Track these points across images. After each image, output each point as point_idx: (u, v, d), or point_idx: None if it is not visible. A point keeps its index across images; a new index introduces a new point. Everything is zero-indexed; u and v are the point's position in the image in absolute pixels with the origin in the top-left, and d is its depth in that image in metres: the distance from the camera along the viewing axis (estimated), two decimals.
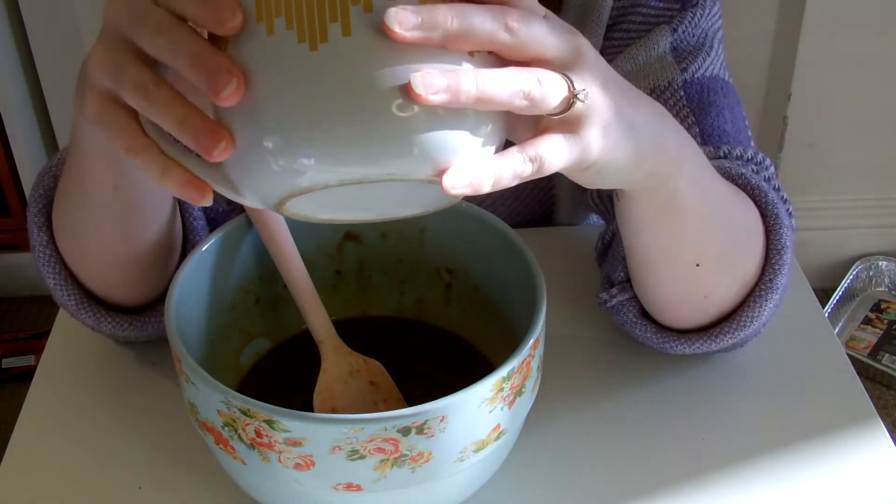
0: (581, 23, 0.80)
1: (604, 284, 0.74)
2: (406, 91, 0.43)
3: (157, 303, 0.72)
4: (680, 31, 0.78)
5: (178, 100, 0.46)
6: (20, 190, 1.89)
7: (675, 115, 0.76)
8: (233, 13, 0.44)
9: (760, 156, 0.74)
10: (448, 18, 0.44)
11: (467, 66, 0.45)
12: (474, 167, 0.45)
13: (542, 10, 0.48)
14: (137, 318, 0.71)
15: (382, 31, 0.43)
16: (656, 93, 0.77)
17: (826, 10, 1.71)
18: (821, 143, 1.86)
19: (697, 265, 0.64)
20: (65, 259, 0.69)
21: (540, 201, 0.92)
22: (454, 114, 0.45)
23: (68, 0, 1.65)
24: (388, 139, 0.44)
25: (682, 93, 0.76)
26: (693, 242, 0.63)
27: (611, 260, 0.73)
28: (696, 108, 0.76)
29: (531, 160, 0.47)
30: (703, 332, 0.69)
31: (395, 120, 0.43)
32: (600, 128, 0.50)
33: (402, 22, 0.43)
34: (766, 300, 0.67)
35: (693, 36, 0.78)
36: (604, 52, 0.82)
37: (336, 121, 0.43)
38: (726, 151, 0.73)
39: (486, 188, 0.45)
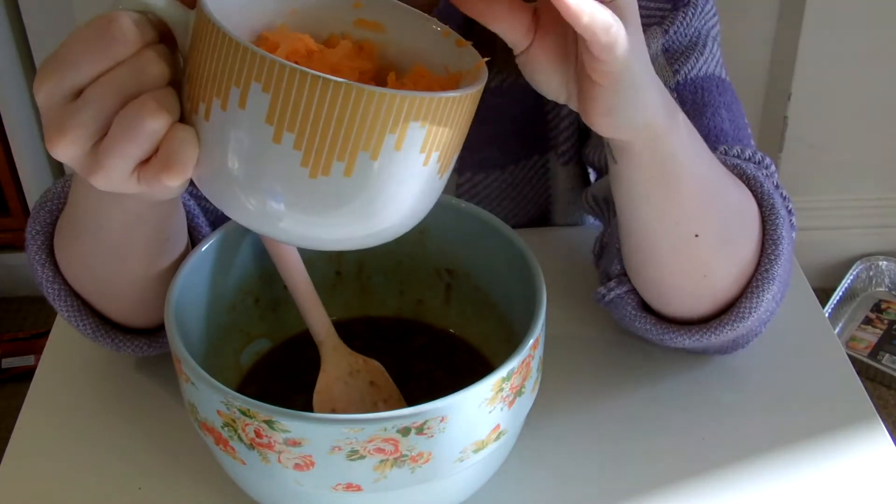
0: None
1: (601, 279, 0.74)
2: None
3: None
4: (672, 31, 0.77)
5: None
6: (20, 190, 1.90)
7: None
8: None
9: (760, 154, 0.73)
10: None
11: None
12: None
13: None
14: (156, 337, 0.71)
15: (380, 175, 0.47)
16: None
17: (826, 10, 1.71)
18: (821, 143, 1.87)
19: (696, 235, 0.64)
20: (78, 293, 0.69)
21: (537, 203, 0.92)
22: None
23: (68, 0, 1.65)
24: (367, 241, 0.50)
25: (675, 95, 0.76)
26: (690, 210, 0.63)
27: (607, 256, 0.73)
28: (689, 109, 0.75)
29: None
30: (703, 324, 0.69)
31: (376, 230, 0.50)
32: (635, 28, 0.52)
33: None
34: (764, 290, 0.67)
35: (685, 36, 0.78)
36: None
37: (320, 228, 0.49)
38: (724, 150, 0.73)
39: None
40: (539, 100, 0.84)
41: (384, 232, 0.51)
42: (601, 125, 0.56)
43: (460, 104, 0.48)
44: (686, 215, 0.64)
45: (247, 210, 0.49)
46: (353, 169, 0.46)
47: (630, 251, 0.68)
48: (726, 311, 0.69)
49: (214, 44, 0.46)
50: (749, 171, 0.69)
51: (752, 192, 0.68)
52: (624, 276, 0.71)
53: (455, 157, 0.51)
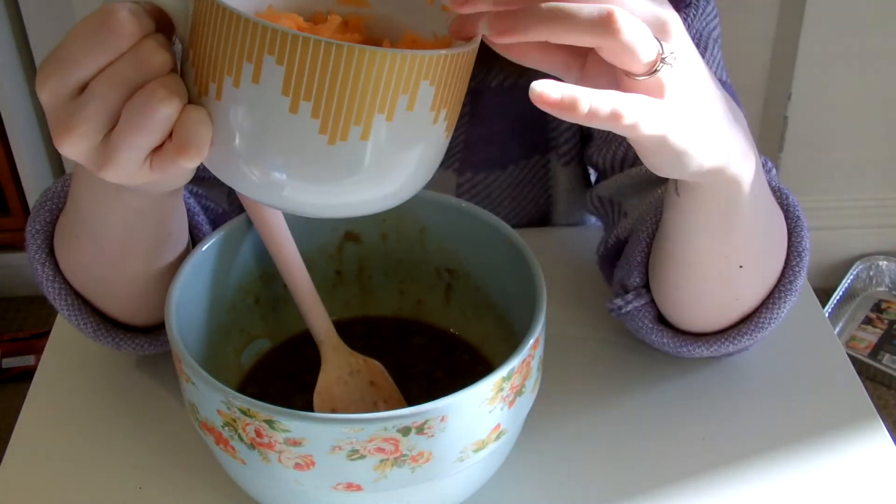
0: None
1: (616, 291, 0.73)
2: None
3: None
4: None
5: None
6: (20, 190, 1.90)
7: None
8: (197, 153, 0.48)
9: (763, 158, 0.73)
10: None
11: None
12: (570, 87, 0.45)
13: None
14: (156, 336, 0.71)
15: (396, 136, 0.48)
16: None
17: (826, 10, 1.71)
18: (821, 143, 1.87)
19: (741, 267, 0.64)
20: (79, 292, 0.68)
21: (537, 203, 0.91)
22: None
23: (68, 0, 1.65)
24: (380, 205, 0.51)
25: None
26: (743, 246, 0.63)
27: (624, 266, 0.72)
28: None
29: (619, 110, 0.46)
30: (721, 334, 0.69)
31: (390, 192, 0.51)
32: (686, 99, 0.49)
33: None
34: (786, 301, 0.67)
35: None
36: None
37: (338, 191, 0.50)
38: None
39: (580, 107, 0.46)
40: None
41: (395, 195, 0.51)
42: (653, 170, 0.54)
43: (463, 61, 0.49)
44: (738, 250, 0.63)
45: (258, 184, 0.49)
46: (370, 131, 0.47)
47: (667, 274, 0.68)
48: (745, 320, 0.68)
49: (221, 23, 0.46)
50: (773, 183, 0.69)
51: (778, 203, 0.68)
52: (643, 289, 0.70)
53: (457, 116, 0.52)
